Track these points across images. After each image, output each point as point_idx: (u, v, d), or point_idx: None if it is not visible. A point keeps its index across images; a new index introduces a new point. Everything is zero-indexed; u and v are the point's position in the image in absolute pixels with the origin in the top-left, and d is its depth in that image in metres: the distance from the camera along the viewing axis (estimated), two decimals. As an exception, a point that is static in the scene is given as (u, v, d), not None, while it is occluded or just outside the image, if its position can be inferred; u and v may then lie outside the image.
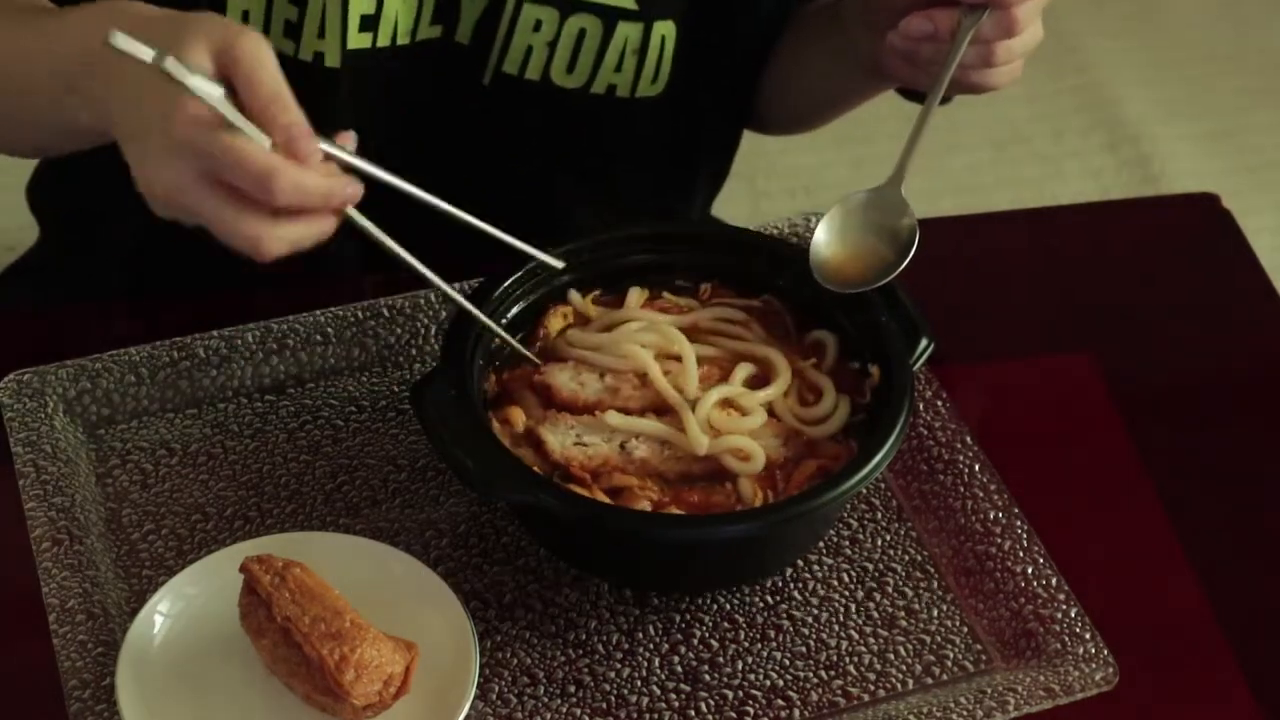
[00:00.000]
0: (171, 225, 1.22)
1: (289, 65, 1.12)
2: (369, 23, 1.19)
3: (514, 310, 1.11)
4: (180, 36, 0.92)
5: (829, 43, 1.27)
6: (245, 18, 1.18)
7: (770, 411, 1.07)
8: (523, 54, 1.22)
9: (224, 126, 0.90)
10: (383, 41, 1.20)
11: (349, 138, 0.96)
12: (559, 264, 1.10)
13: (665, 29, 1.23)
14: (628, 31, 1.21)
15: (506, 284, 1.10)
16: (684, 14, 1.23)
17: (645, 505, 1.02)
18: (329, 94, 1.19)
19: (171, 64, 0.88)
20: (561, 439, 1.04)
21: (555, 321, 1.12)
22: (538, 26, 1.21)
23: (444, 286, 1.03)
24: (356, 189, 0.94)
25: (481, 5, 1.20)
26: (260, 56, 0.92)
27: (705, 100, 1.31)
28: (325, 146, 0.93)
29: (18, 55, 1.05)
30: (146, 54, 0.88)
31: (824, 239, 1.11)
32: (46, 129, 1.09)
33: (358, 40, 1.19)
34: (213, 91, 0.90)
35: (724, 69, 1.31)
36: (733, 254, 1.15)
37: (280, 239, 0.92)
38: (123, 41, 0.88)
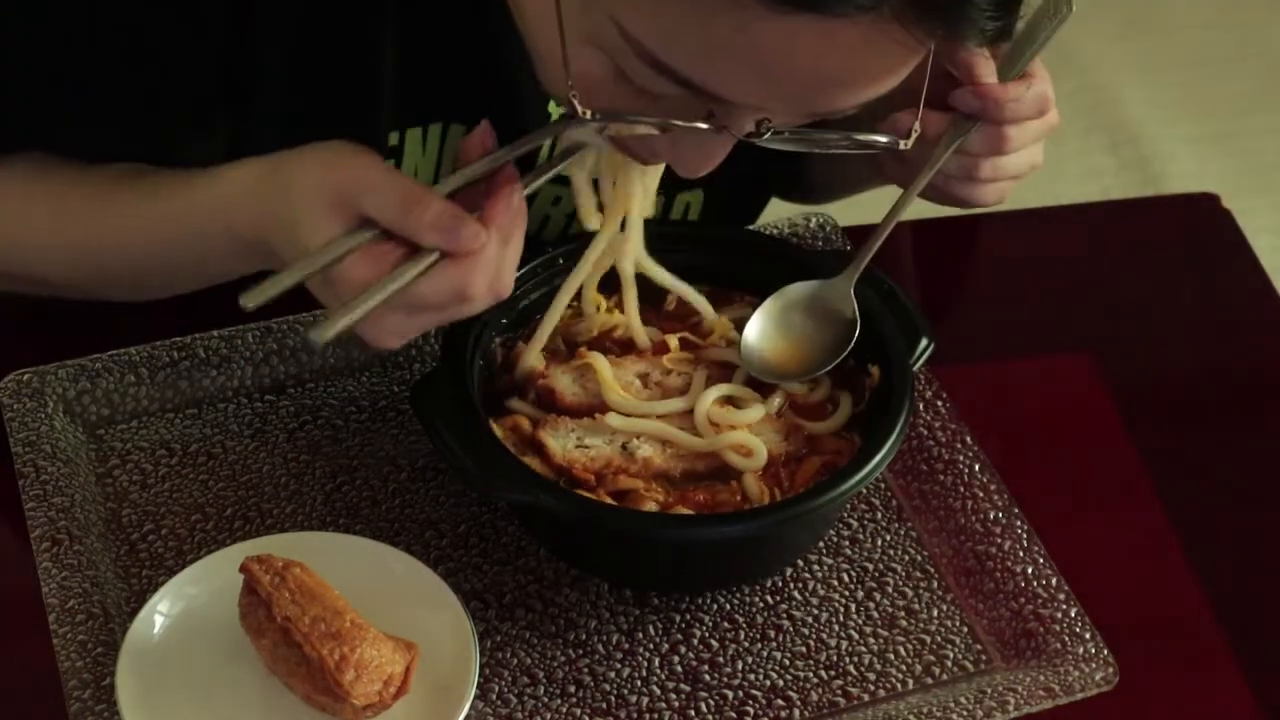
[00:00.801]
0: None
1: None
2: None
3: (514, 310, 1.11)
4: (296, 223, 0.94)
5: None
6: None
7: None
8: (539, 222, 1.22)
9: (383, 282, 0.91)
10: None
11: (486, 132, 0.95)
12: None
13: (690, 197, 1.23)
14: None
15: (506, 284, 1.10)
16: (710, 184, 1.20)
17: (651, 507, 1.02)
18: None
19: (316, 332, 0.90)
20: (563, 442, 1.04)
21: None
22: (557, 201, 1.22)
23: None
24: (510, 188, 0.93)
25: None
26: (367, 179, 0.93)
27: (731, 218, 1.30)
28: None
29: (180, 233, 1.06)
30: (273, 292, 0.91)
31: (758, 326, 1.09)
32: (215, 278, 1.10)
33: None
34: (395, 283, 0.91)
35: (750, 202, 1.30)
36: (732, 254, 1.15)
37: (509, 272, 0.94)
38: (255, 300, 0.90)
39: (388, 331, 0.95)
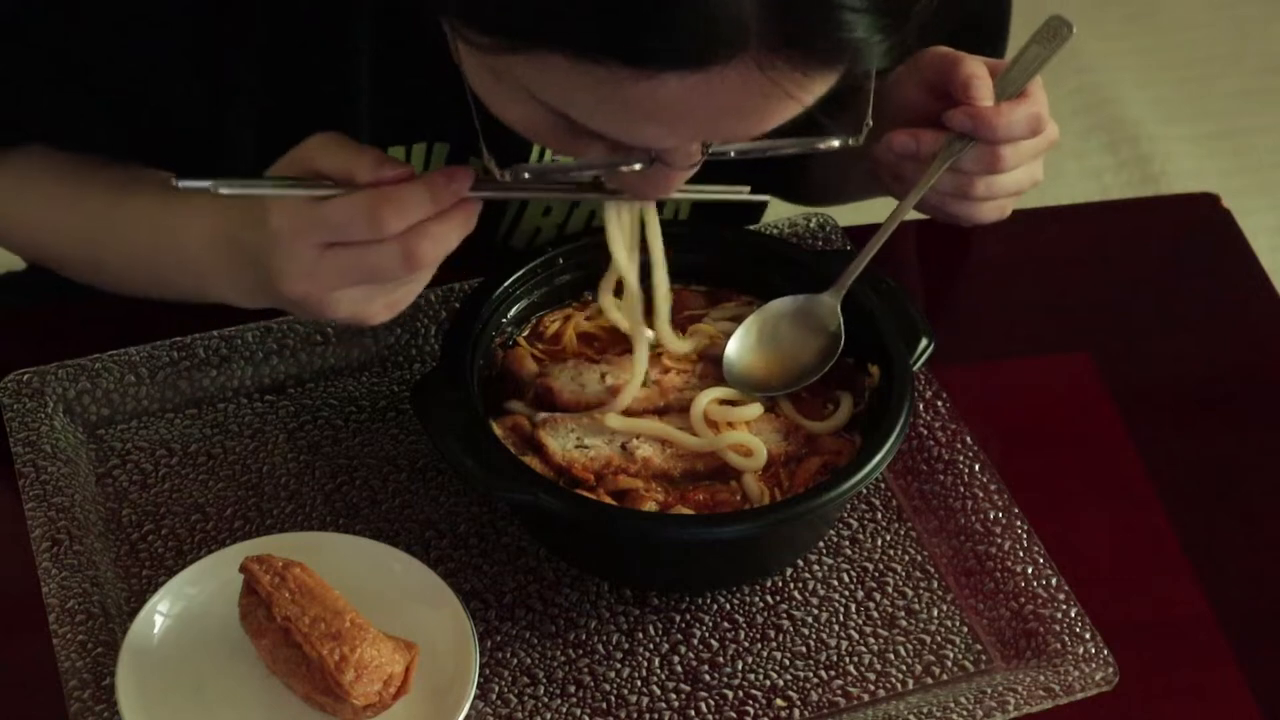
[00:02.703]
0: None
1: None
2: None
3: (514, 310, 1.11)
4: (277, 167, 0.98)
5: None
6: None
7: (771, 407, 1.07)
8: (531, 234, 1.23)
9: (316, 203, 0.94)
10: None
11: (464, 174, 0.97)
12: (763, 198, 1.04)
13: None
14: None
15: (506, 284, 1.11)
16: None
17: (651, 507, 1.02)
18: None
19: (229, 185, 0.93)
20: (562, 442, 1.04)
21: (557, 324, 1.12)
22: (547, 211, 1.22)
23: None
24: (464, 173, 0.95)
25: None
26: (315, 142, 0.96)
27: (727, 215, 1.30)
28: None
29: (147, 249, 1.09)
30: (206, 184, 0.93)
31: (741, 340, 1.09)
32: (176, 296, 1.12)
33: None
34: (285, 185, 0.95)
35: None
36: (732, 254, 1.15)
37: (427, 237, 0.94)
38: (185, 182, 0.92)
39: (300, 268, 0.96)
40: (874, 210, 1.18)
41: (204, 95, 1.10)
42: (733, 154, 0.91)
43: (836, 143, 0.95)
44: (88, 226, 1.12)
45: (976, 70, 1.08)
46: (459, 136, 1.16)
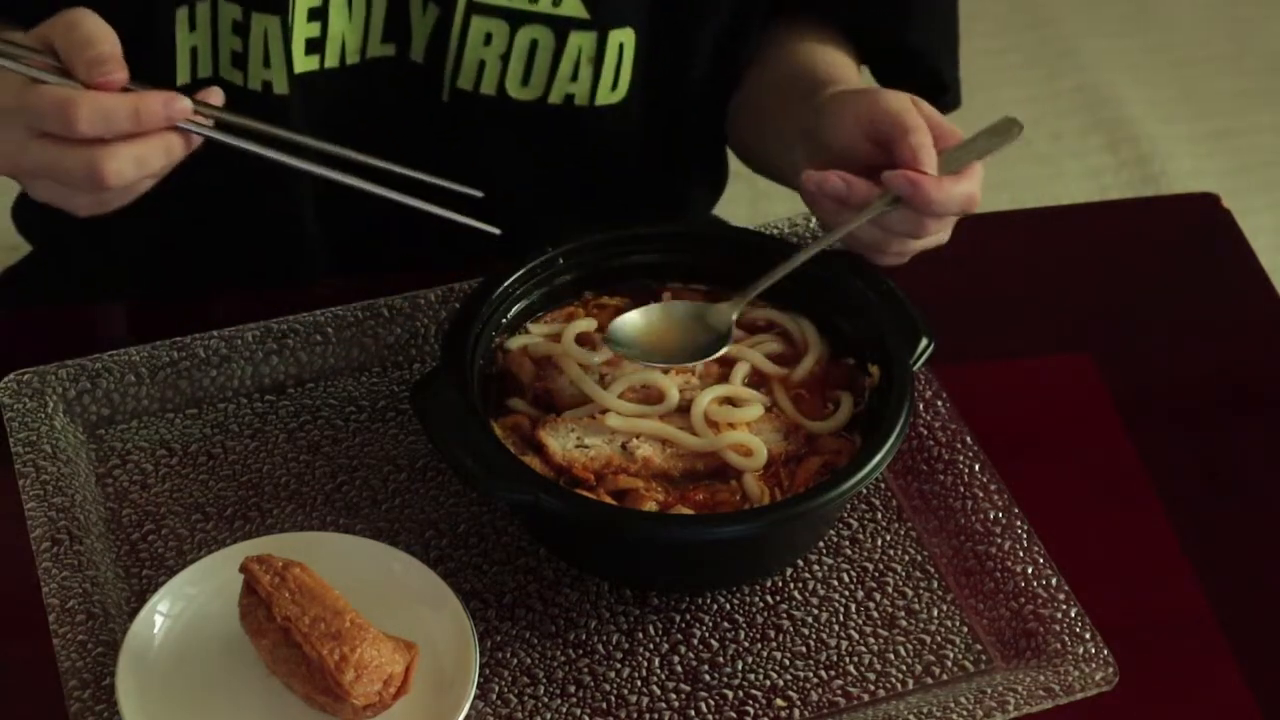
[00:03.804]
0: (170, 231, 1.22)
1: (239, 95, 1.17)
2: (315, 45, 1.19)
3: (514, 310, 1.11)
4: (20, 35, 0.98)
5: (783, 128, 1.23)
6: (194, 53, 1.19)
7: (771, 406, 1.08)
8: (475, 68, 1.21)
9: (34, 84, 0.95)
10: (331, 63, 1.20)
11: (215, 93, 0.98)
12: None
13: (623, 36, 1.22)
14: (581, 41, 1.20)
15: (506, 284, 1.11)
16: (644, 22, 1.22)
17: (651, 507, 1.02)
18: (281, 120, 1.19)
19: None
20: (562, 442, 1.04)
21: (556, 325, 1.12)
22: (488, 40, 1.20)
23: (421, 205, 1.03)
24: (180, 103, 0.95)
25: (431, 22, 1.19)
26: (71, 19, 0.97)
27: (676, 107, 1.29)
28: (191, 104, 0.96)
29: None
30: None
31: (636, 314, 1.10)
32: None
33: (304, 63, 1.19)
34: (14, 63, 0.95)
35: (689, 78, 1.29)
36: (732, 254, 1.15)
37: (117, 158, 0.94)
38: None
39: (3, 146, 0.96)
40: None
41: None
42: None
43: None
44: None
45: (925, 141, 1.07)
46: None
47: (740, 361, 1.09)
